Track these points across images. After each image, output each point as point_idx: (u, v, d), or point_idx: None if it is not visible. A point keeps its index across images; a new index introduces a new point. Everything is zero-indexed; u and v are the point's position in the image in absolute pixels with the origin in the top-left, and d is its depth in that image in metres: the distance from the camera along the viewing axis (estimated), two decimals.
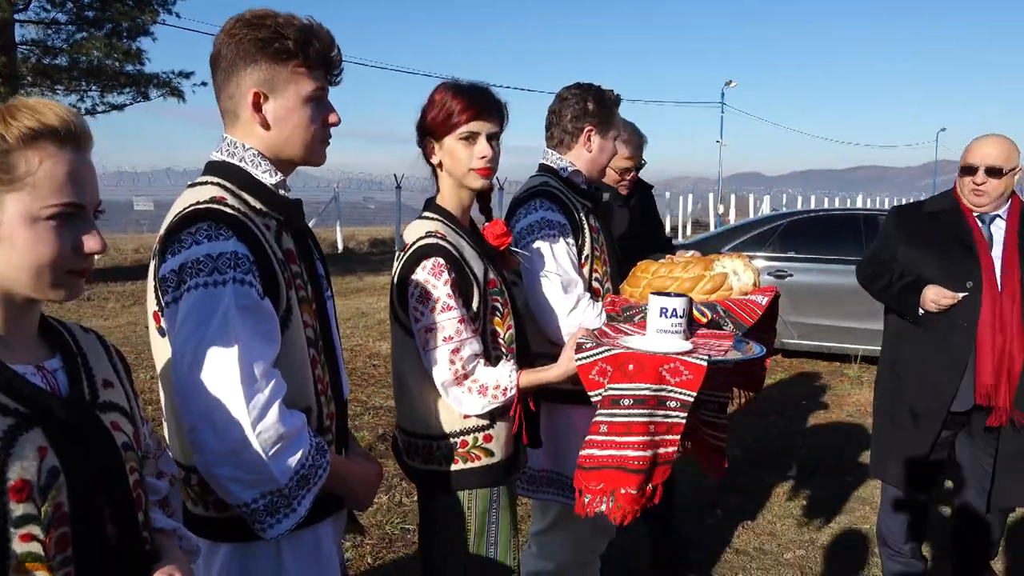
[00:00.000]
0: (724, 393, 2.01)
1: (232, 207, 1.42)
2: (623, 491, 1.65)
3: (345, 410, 1.68)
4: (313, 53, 1.49)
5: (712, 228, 21.03)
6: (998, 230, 2.89)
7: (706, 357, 1.69)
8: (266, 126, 1.49)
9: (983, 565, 3.33)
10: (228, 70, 1.46)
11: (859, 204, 37.46)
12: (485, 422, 1.94)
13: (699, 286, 2.12)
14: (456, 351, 1.84)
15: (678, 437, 1.69)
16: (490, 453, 1.95)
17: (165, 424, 1.54)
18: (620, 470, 1.65)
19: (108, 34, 14.98)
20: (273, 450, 1.35)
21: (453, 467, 1.94)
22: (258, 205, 1.48)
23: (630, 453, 1.65)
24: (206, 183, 1.48)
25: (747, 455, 5.07)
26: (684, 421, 1.68)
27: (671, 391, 1.66)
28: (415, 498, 4.16)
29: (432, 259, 1.84)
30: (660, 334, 1.81)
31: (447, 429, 1.93)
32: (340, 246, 18.86)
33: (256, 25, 1.45)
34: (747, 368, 2.14)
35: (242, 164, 1.49)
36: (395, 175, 17.73)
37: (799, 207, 30.15)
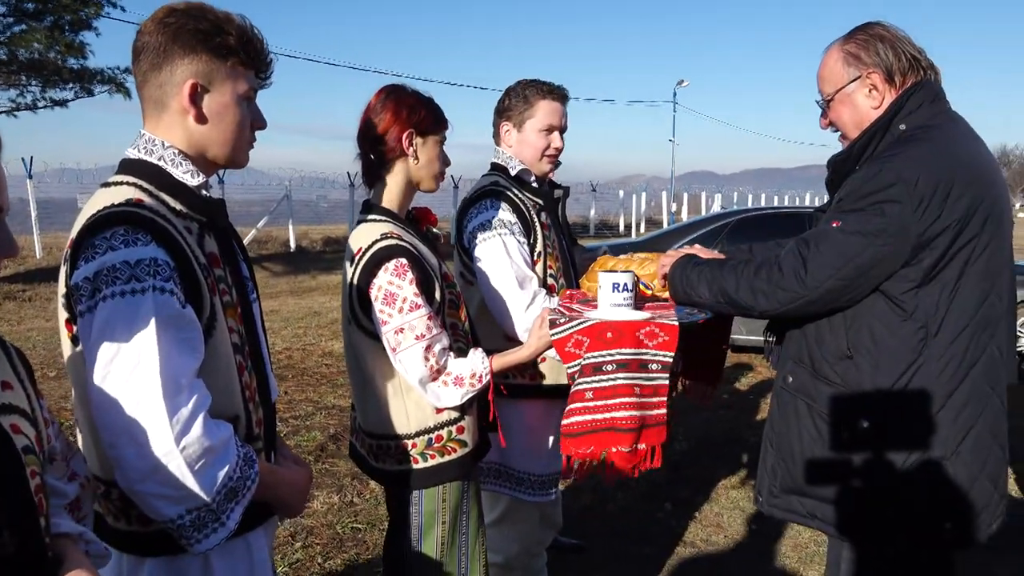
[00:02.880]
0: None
1: (150, 209, 1.35)
2: (615, 450, 1.78)
3: (274, 414, 1.64)
4: (252, 52, 1.47)
5: (665, 226, 21.31)
6: None
7: (676, 318, 1.83)
8: (201, 120, 1.44)
9: None
10: (160, 57, 1.40)
11: (807, 202, 38.31)
12: (457, 414, 1.98)
13: (652, 283, 2.18)
14: (429, 348, 1.86)
15: (665, 399, 1.82)
16: (464, 444, 2.00)
17: (80, 436, 1.46)
18: (611, 431, 1.78)
19: (49, 27, 14.54)
20: (198, 465, 1.30)
21: (431, 462, 1.96)
22: (179, 207, 1.42)
23: (620, 414, 1.77)
24: (121, 183, 1.41)
25: (696, 448, 5.16)
26: (667, 382, 1.83)
27: (651, 354, 1.80)
28: (366, 497, 4.16)
29: (395, 260, 1.85)
30: (614, 308, 1.90)
31: (422, 426, 1.96)
32: (293, 245, 18.63)
33: (195, 16, 1.41)
34: (705, 357, 2.25)
35: (161, 163, 1.43)
36: (348, 173, 17.58)
37: (750, 205, 30.71)
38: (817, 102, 1.98)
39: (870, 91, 1.87)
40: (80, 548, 1.17)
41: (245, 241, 18.75)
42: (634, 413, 1.77)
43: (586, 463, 1.80)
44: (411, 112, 1.95)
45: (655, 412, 1.80)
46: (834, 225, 1.76)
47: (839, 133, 1.98)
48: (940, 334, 1.76)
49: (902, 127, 1.82)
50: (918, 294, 1.75)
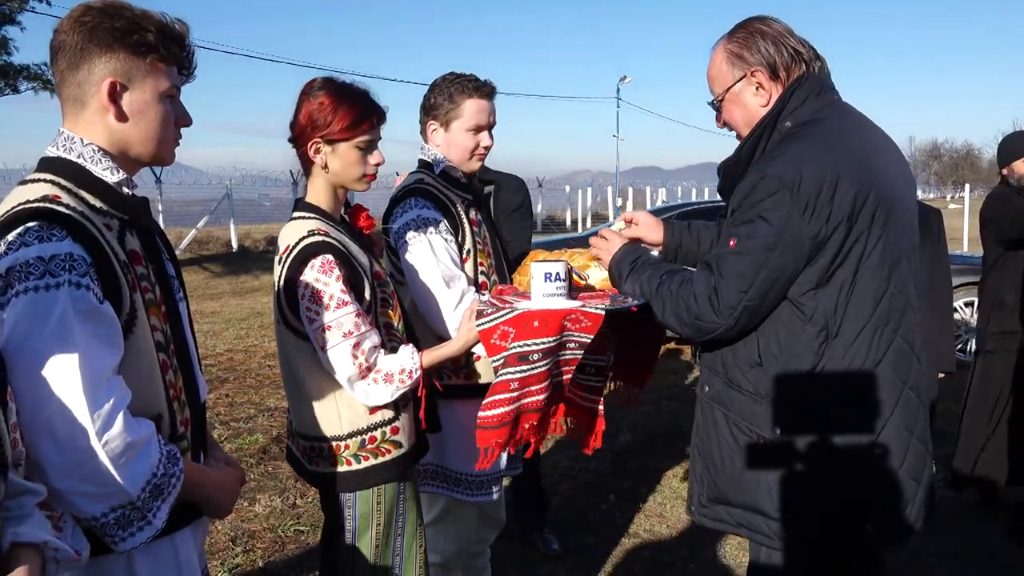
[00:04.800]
0: (602, 357, 2.09)
1: (67, 206, 1.34)
2: (527, 425, 1.80)
3: (203, 415, 1.63)
4: (172, 49, 1.47)
5: (611, 220, 21.50)
6: None
7: (603, 307, 1.82)
8: (122, 118, 1.43)
9: None
10: (78, 56, 1.39)
11: None
12: (391, 414, 1.96)
13: (585, 272, 2.19)
14: (357, 345, 1.84)
15: (574, 368, 1.84)
16: (399, 445, 1.98)
17: None
18: (530, 412, 1.79)
19: None
20: (121, 461, 1.29)
21: (364, 464, 1.94)
22: (98, 204, 1.41)
23: (535, 399, 1.78)
24: (38, 180, 1.40)
25: (639, 440, 5.24)
26: (579, 356, 1.83)
27: (571, 335, 1.80)
28: (309, 499, 4.12)
29: (320, 257, 1.83)
30: (547, 298, 1.89)
31: (355, 427, 1.93)
32: (235, 244, 18.25)
33: (112, 15, 1.40)
34: (635, 356, 2.26)
35: (80, 160, 1.42)
36: (291, 171, 17.28)
37: (694, 199, 31.20)
38: (709, 103, 1.97)
39: (757, 89, 1.86)
40: (36, 561, 1.14)
41: (185, 242, 18.18)
42: (547, 395, 1.79)
43: (500, 449, 1.80)
44: (319, 120, 1.88)
45: (564, 378, 1.83)
46: (731, 245, 1.75)
47: (735, 132, 1.96)
48: (840, 334, 1.73)
49: (788, 124, 1.80)
50: (816, 295, 1.72)
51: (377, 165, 1.97)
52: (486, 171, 3.60)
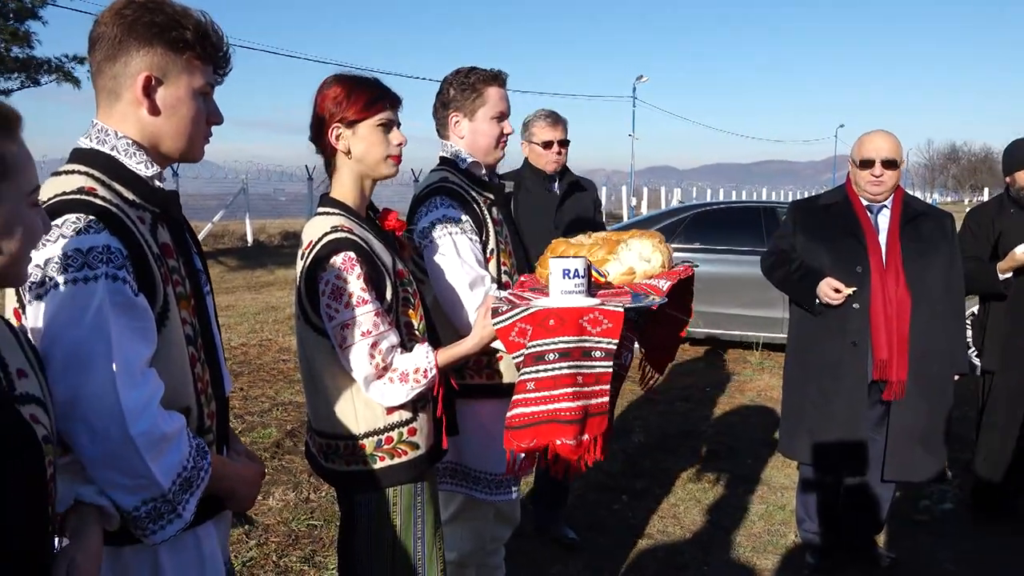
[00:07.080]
0: (618, 360, 2.05)
1: (103, 198, 1.35)
2: (559, 442, 1.71)
3: (226, 408, 1.63)
4: (209, 48, 1.48)
5: (625, 219, 21.44)
6: (883, 219, 3.20)
7: (621, 305, 1.77)
8: (155, 112, 1.44)
9: (869, 541, 3.53)
10: (116, 48, 1.40)
11: (763, 197, 38.84)
12: (409, 415, 1.94)
13: (603, 268, 2.12)
14: (375, 345, 1.82)
15: (607, 387, 1.76)
16: (415, 446, 1.96)
17: None
18: (553, 422, 1.71)
19: None
20: (154, 453, 1.29)
21: (379, 464, 1.92)
22: (131, 197, 1.41)
23: (562, 405, 1.71)
24: (73, 172, 1.40)
25: (653, 441, 5.21)
26: (611, 369, 1.76)
27: (595, 341, 1.74)
28: (323, 494, 4.13)
29: (342, 254, 1.81)
30: (565, 295, 1.85)
31: (371, 427, 1.91)
32: (250, 239, 18.34)
33: (153, 9, 1.42)
34: (659, 343, 2.23)
35: (113, 153, 1.42)
36: (306, 166, 17.33)
37: (708, 199, 31.08)
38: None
39: None
40: (93, 520, 1.23)
41: (201, 235, 18.26)
42: (576, 404, 1.72)
43: (532, 456, 1.75)
44: (335, 105, 1.89)
45: (597, 401, 1.76)
46: None
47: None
48: None
49: None
50: None
51: (400, 145, 1.96)
52: (569, 174, 3.80)
